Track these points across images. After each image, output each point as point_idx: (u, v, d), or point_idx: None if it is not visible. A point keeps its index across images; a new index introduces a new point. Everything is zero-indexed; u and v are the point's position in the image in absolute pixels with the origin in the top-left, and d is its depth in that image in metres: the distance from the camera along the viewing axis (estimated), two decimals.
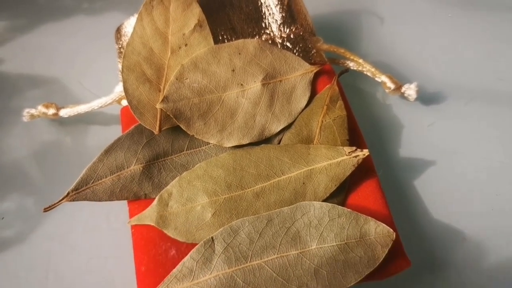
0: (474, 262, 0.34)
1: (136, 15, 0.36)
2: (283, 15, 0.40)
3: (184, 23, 0.35)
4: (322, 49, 0.40)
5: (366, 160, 0.32)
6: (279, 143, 0.34)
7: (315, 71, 0.36)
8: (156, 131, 0.33)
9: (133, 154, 0.33)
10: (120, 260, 0.35)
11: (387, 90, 0.41)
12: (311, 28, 0.41)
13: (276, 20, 0.40)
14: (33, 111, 0.40)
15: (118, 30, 0.41)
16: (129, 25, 0.40)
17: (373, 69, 0.41)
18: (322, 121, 0.34)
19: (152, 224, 0.31)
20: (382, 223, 0.29)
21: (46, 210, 0.31)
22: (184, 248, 0.31)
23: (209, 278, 0.28)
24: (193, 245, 0.30)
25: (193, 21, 0.35)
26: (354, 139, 0.35)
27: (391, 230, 0.29)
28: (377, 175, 0.33)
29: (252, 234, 0.29)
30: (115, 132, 0.37)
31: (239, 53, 0.35)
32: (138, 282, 0.30)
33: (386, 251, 0.28)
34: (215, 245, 0.29)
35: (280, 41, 0.39)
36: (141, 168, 0.33)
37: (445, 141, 0.40)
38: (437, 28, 0.48)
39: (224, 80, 0.34)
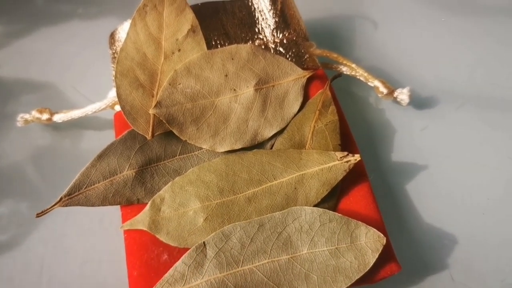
0: (465, 266, 0.34)
1: (129, 21, 0.36)
2: (276, 20, 0.40)
3: (178, 28, 0.35)
4: (315, 54, 0.40)
5: (357, 164, 0.32)
6: (271, 148, 0.34)
7: (308, 76, 0.37)
8: (149, 137, 0.33)
9: (126, 159, 0.33)
10: (113, 264, 0.35)
11: (379, 95, 0.41)
12: (304, 33, 0.41)
13: (269, 25, 0.40)
14: (27, 116, 0.40)
15: (112, 36, 0.41)
16: (123, 30, 0.40)
17: (365, 74, 0.41)
18: (315, 126, 0.35)
19: (145, 228, 0.31)
20: (373, 228, 0.29)
21: (39, 215, 0.31)
22: (176, 253, 0.31)
23: (201, 282, 0.28)
24: (185, 250, 0.30)
25: (187, 27, 0.36)
26: (346, 144, 0.35)
27: (382, 235, 0.29)
28: (368, 179, 0.34)
29: (244, 239, 0.29)
30: (109, 137, 0.37)
31: (232, 58, 0.36)
32: (131, 286, 0.30)
33: (377, 256, 0.28)
34: (207, 250, 0.29)
35: (273, 46, 0.39)
36: (134, 173, 0.33)
37: (437, 146, 0.40)
38: (430, 32, 0.48)
39: (217, 85, 0.35)
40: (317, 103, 0.36)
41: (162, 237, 0.31)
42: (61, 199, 0.32)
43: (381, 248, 0.29)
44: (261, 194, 0.32)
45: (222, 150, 0.33)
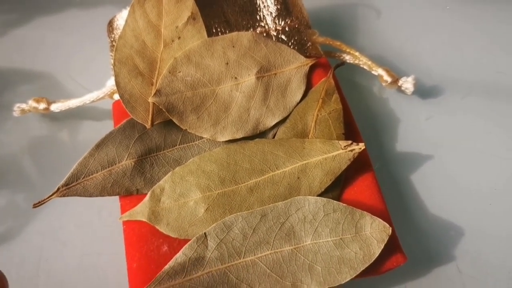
0: (472, 258, 0.34)
1: (128, 8, 0.35)
2: (278, 7, 0.39)
3: (177, 15, 0.35)
4: (318, 42, 0.40)
5: (362, 154, 0.32)
6: (273, 137, 0.34)
7: (310, 64, 0.36)
8: (148, 125, 0.33)
9: (125, 148, 0.32)
10: (112, 257, 0.34)
11: (383, 84, 0.40)
12: (306, 20, 0.41)
13: (271, 13, 0.39)
14: (23, 105, 0.39)
15: (110, 23, 0.40)
16: (121, 18, 0.39)
17: (369, 62, 0.40)
18: (318, 114, 0.34)
19: (144, 220, 0.30)
20: (378, 218, 0.29)
21: (35, 206, 0.31)
22: (176, 244, 0.30)
23: (202, 274, 0.28)
24: (185, 241, 0.29)
25: (186, 14, 0.35)
26: (350, 133, 0.34)
27: (387, 225, 0.28)
28: (373, 169, 0.33)
29: (246, 230, 0.29)
30: (107, 127, 0.36)
31: (233, 46, 0.35)
32: (130, 279, 0.30)
33: (382, 247, 0.28)
34: (208, 241, 0.29)
35: (275, 33, 0.38)
36: (133, 163, 0.32)
37: (443, 135, 0.40)
38: (435, 20, 0.47)
39: (218, 73, 0.34)
40: (320, 92, 0.35)
41: (162, 228, 0.30)
42: (58, 189, 0.31)
43: (387, 238, 0.28)
44: (263, 184, 0.31)
45: (223, 139, 0.33)
